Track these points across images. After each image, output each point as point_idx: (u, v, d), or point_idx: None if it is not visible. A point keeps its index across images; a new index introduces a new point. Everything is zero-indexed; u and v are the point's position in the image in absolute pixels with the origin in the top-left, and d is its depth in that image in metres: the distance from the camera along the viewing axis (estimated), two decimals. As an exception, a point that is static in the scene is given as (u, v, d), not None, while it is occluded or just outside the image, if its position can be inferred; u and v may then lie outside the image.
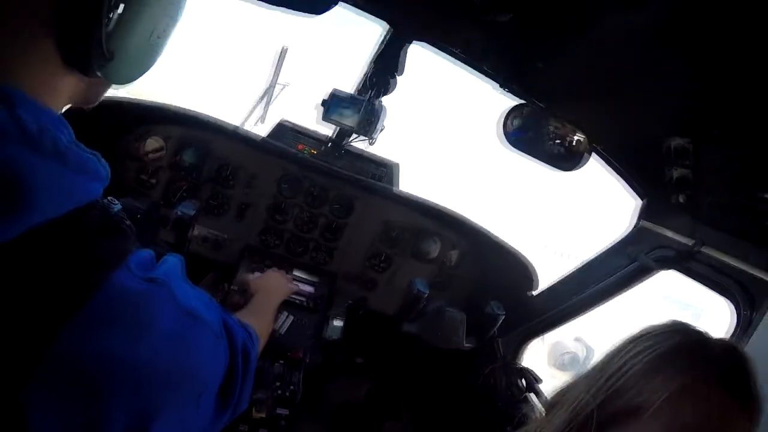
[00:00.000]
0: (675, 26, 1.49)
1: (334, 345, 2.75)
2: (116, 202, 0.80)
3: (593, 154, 2.35)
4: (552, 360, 5.63)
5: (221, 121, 2.77)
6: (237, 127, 2.83)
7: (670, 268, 2.17)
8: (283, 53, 2.96)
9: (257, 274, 2.55)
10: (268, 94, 3.11)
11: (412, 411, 3.26)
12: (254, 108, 3.13)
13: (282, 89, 3.16)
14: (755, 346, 1.70)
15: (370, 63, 2.31)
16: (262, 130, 2.91)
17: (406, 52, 2.27)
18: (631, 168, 2.33)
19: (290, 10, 1.91)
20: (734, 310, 1.85)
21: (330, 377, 3.18)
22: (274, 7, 1.91)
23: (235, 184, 2.82)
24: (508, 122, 2.30)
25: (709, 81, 1.62)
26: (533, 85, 2.20)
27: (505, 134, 2.32)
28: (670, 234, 2.18)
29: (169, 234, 2.44)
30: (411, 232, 3.02)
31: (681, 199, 2.07)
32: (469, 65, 2.17)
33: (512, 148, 2.31)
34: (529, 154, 2.32)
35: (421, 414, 3.23)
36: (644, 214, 2.35)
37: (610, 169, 2.38)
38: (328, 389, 3.20)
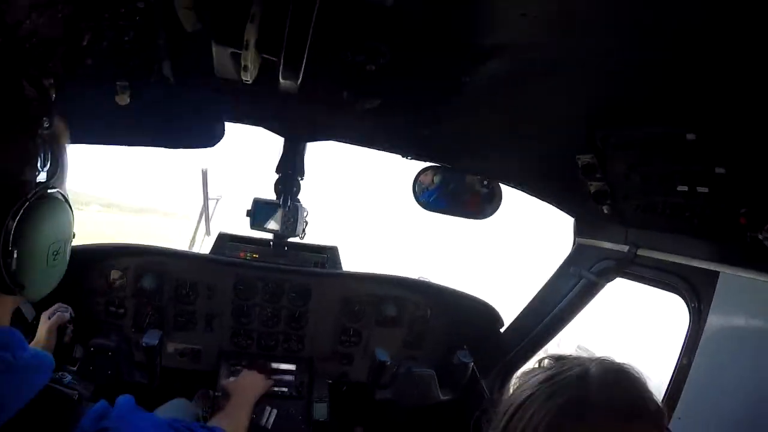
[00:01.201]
0: (535, 62, 1.48)
1: (325, 425, 2.67)
2: (66, 375, 1.03)
3: (521, 188, 2.36)
4: None
5: (167, 249, 2.81)
6: (180, 250, 2.88)
7: (613, 278, 2.11)
8: (204, 174, 3.01)
9: (233, 378, 2.45)
10: (204, 211, 3.15)
11: None
12: (198, 225, 3.16)
13: (217, 203, 3.20)
14: (710, 336, 1.62)
15: (276, 171, 2.37)
16: (208, 243, 2.91)
17: (303, 154, 2.35)
18: (553, 192, 2.30)
19: (189, 149, 2.04)
20: (685, 305, 1.79)
21: None
22: (175, 149, 2.00)
23: (196, 299, 2.79)
24: (416, 187, 2.33)
25: (594, 96, 1.62)
26: (430, 148, 2.21)
27: (417, 198, 2.36)
28: (606, 245, 2.13)
29: (143, 358, 2.45)
30: (371, 303, 2.96)
31: (606, 210, 2.03)
32: (365, 147, 2.22)
33: (427, 208, 2.35)
34: (445, 211, 2.34)
35: None
36: (578, 231, 2.31)
37: (539, 197, 2.38)
38: None
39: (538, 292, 2.56)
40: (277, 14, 1.30)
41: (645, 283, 1.97)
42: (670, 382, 1.70)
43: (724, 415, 1.51)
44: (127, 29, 1.45)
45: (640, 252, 1.94)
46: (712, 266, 1.63)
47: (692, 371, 1.62)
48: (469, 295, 2.98)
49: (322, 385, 2.83)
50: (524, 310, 2.67)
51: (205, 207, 3.16)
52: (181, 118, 1.88)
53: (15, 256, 0.80)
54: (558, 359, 1.08)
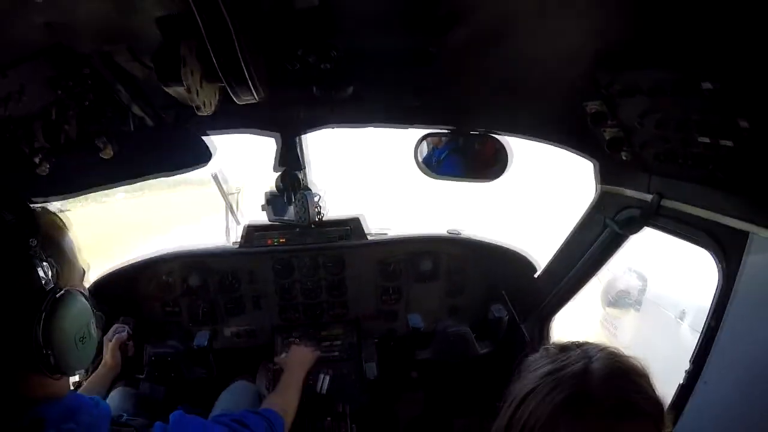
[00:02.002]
0: (508, 14, 1.30)
1: (376, 383, 2.83)
2: (123, 415, 1.19)
3: (534, 139, 2.15)
4: (606, 300, 5.19)
5: (203, 249, 2.97)
6: (215, 248, 3.00)
7: (638, 229, 1.93)
8: (216, 177, 3.03)
9: (284, 354, 2.63)
10: (228, 208, 3.25)
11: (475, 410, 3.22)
12: (227, 219, 3.28)
13: (238, 194, 3.25)
14: (739, 298, 1.45)
15: (274, 170, 2.32)
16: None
17: (297, 148, 2.28)
18: (568, 140, 2.07)
19: (188, 171, 2.11)
20: (714, 262, 1.60)
21: (395, 397, 3.24)
22: (173, 173, 2.03)
23: (240, 285, 2.95)
24: (420, 149, 2.22)
25: (590, 38, 1.40)
26: (426, 117, 2.06)
27: (422, 162, 2.24)
28: (629, 193, 1.92)
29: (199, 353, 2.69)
30: (405, 261, 2.98)
31: (625, 157, 1.81)
32: (360, 127, 2.10)
33: (435, 172, 2.23)
34: (455, 173, 2.19)
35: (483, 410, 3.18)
36: (600, 177, 2.09)
37: (555, 145, 2.14)
38: (399, 408, 3.26)
39: (567, 239, 2.41)
40: (201, 48, 1.23)
41: (673, 236, 1.77)
42: (696, 344, 1.58)
43: (750, 381, 1.39)
44: (84, 94, 1.47)
45: (665, 203, 1.73)
46: (741, 225, 1.42)
47: (720, 335, 1.49)
48: (501, 243, 2.92)
49: (370, 345, 2.96)
50: (555, 256, 2.55)
51: (228, 204, 3.27)
52: (171, 150, 1.89)
53: (51, 353, 0.99)
54: (562, 349, 1.06)
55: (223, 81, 1.39)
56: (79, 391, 2.19)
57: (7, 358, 0.99)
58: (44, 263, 1.02)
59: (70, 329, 1.04)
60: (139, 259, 2.89)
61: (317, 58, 1.48)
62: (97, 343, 1.15)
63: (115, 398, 2.29)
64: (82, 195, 2.05)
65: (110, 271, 2.82)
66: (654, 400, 0.94)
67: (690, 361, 1.59)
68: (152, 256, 2.90)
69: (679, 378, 1.60)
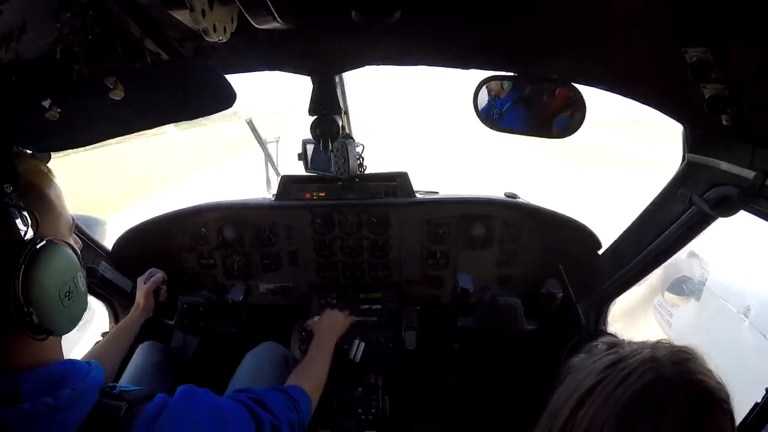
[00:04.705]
0: None
1: (415, 354, 2.61)
2: (116, 386, 1.06)
3: (615, 91, 1.77)
4: (665, 284, 4.63)
5: (238, 202, 2.81)
6: (249, 201, 2.85)
7: (731, 212, 1.56)
8: (250, 124, 2.83)
9: (317, 318, 2.43)
10: (267, 157, 3.10)
11: (508, 395, 2.97)
12: (267, 170, 3.13)
13: (277, 143, 3.06)
14: None
15: (309, 113, 2.04)
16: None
17: (336, 89, 2.02)
18: (656, 95, 1.71)
19: (208, 115, 1.80)
20: None
21: (434, 367, 3.04)
22: (193, 117, 1.82)
23: (276, 240, 2.81)
24: (479, 97, 1.87)
25: None
26: (490, 56, 1.76)
27: (482, 112, 1.90)
28: (724, 166, 1.57)
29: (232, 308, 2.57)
30: (455, 224, 2.72)
31: (725, 122, 1.46)
32: (408, 65, 1.81)
33: (495, 124, 1.89)
34: (518, 126, 1.86)
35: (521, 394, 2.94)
36: (689, 144, 1.73)
37: (640, 101, 1.76)
38: (434, 381, 3.07)
39: (641, 214, 2.08)
40: None
41: None
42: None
43: None
44: (87, 28, 1.27)
45: None
46: None
47: None
48: (562, 213, 2.60)
49: (411, 312, 2.76)
50: (625, 232, 2.22)
51: (266, 152, 3.12)
52: (190, 91, 1.66)
53: (32, 311, 0.88)
54: (612, 345, 0.96)
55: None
56: (109, 333, 2.19)
57: None
58: (23, 212, 0.91)
59: (53, 283, 0.93)
60: (173, 211, 2.79)
61: None
62: (86, 305, 1.04)
63: (142, 353, 2.24)
64: (95, 143, 1.90)
65: (141, 222, 2.74)
66: (725, 387, 0.86)
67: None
68: (186, 207, 2.80)
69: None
